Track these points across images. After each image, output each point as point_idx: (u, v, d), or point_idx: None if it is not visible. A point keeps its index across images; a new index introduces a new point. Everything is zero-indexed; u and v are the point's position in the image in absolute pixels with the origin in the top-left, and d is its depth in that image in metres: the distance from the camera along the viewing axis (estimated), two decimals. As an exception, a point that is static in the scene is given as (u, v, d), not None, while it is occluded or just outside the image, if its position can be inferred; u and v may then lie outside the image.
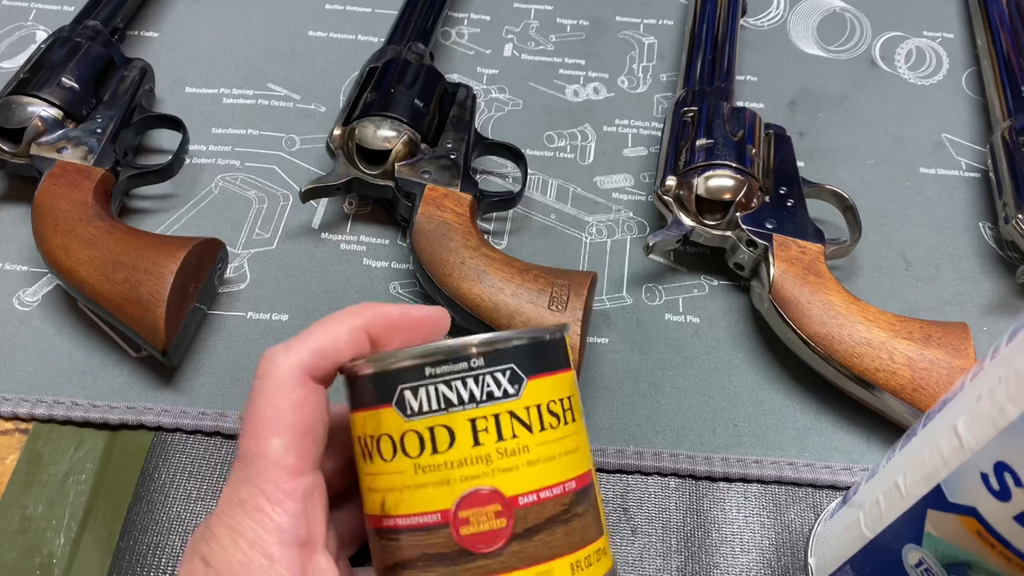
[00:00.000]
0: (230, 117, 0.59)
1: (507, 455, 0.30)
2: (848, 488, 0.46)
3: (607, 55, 0.65)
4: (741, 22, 0.66)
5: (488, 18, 0.67)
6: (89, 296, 0.47)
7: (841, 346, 0.46)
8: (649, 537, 0.44)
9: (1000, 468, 0.26)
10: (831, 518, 0.41)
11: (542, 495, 0.30)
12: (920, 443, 0.33)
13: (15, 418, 0.47)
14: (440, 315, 0.34)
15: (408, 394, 0.30)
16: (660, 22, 0.67)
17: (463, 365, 0.30)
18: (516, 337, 0.31)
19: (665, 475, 0.46)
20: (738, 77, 0.63)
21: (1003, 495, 0.26)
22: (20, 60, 0.62)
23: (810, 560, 0.41)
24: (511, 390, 0.30)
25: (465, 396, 0.30)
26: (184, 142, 0.55)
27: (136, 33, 0.64)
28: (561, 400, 0.32)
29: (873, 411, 0.47)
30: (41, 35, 0.64)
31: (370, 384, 0.31)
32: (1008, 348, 0.28)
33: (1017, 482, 0.25)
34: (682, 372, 0.49)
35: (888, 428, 0.47)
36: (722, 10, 0.62)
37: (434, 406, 0.30)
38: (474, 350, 0.30)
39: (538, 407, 0.31)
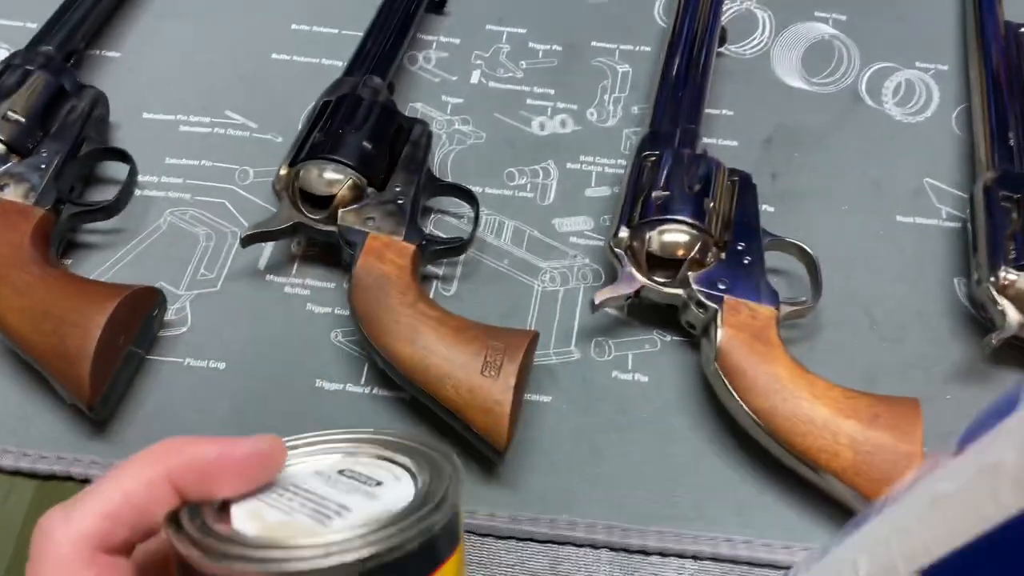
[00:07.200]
0: (185, 146, 0.58)
1: None
2: (787, 568, 0.44)
3: (578, 84, 0.62)
4: (722, 50, 0.63)
5: (458, 41, 0.65)
6: (19, 345, 0.46)
7: (784, 423, 0.44)
8: (576, 613, 0.43)
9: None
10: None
11: None
12: (827, 564, 0.31)
13: (-55, 464, 0.47)
14: (271, 449, 0.28)
15: None
16: (637, 48, 0.65)
17: None
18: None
19: (598, 548, 0.45)
20: (714, 111, 0.60)
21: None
22: (-20, 80, 0.61)
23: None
24: None
25: None
26: (131, 177, 0.54)
27: (97, 53, 0.63)
28: None
29: (817, 488, 0.45)
30: (1, 53, 0.63)
31: None
32: (902, 502, 0.26)
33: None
34: (625, 436, 0.48)
35: (832, 507, 0.45)
36: (698, 41, 0.60)
37: None
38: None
39: None
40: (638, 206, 0.51)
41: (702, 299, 0.48)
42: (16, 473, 0.46)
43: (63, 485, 0.46)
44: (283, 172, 0.51)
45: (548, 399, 0.49)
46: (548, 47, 0.64)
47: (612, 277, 0.53)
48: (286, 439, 0.31)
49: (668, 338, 0.51)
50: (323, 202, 0.51)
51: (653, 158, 0.53)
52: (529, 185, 0.57)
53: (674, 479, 0.47)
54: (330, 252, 0.53)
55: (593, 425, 0.48)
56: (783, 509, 0.46)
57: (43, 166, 0.52)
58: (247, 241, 0.50)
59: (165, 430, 0.47)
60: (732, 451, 0.47)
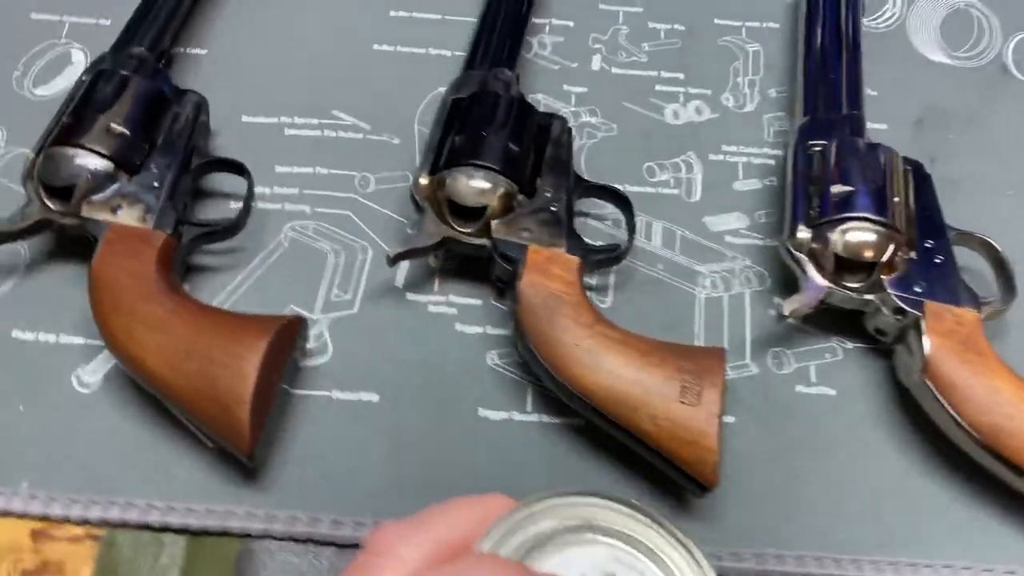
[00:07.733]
0: (294, 152, 0.53)
1: None
2: (1014, 594, 0.41)
3: (707, 66, 0.58)
4: (856, 24, 0.59)
5: (571, 24, 0.60)
6: (160, 390, 0.42)
7: (1013, 441, 0.41)
8: (795, 655, 0.40)
9: None
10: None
11: None
12: None
13: (86, 523, 0.42)
14: None
15: None
16: (764, 25, 0.60)
17: None
18: None
19: (810, 582, 0.41)
20: (856, 91, 0.56)
21: None
22: (55, 86, 0.55)
23: None
24: None
25: None
26: (250, 191, 0.49)
27: (182, 50, 0.57)
28: None
29: (1038, 505, 0.42)
30: (77, 55, 0.57)
31: None
32: None
33: None
34: (820, 456, 0.44)
35: (1057, 526, 0.42)
36: (842, 16, 0.55)
37: None
38: None
39: None
40: (813, 202, 0.47)
41: (901, 304, 0.44)
42: (164, 530, 0.42)
43: (218, 540, 0.42)
44: (424, 181, 0.47)
45: (732, 419, 0.45)
46: (669, 27, 0.60)
47: (781, 280, 0.49)
48: (533, 506, 0.28)
49: (849, 345, 0.47)
50: (468, 212, 0.46)
51: (819, 148, 0.49)
52: (672, 180, 0.53)
53: (879, 501, 0.43)
54: (471, 265, 0.49)
55: (783, 446, 0.45)
56: (998, 529, 0.43)
57: (156, 184, 0.47)
58: (397, 260, 0.45)
59: (320, 473, 0.43)
60: (936, 465, 0.44)
